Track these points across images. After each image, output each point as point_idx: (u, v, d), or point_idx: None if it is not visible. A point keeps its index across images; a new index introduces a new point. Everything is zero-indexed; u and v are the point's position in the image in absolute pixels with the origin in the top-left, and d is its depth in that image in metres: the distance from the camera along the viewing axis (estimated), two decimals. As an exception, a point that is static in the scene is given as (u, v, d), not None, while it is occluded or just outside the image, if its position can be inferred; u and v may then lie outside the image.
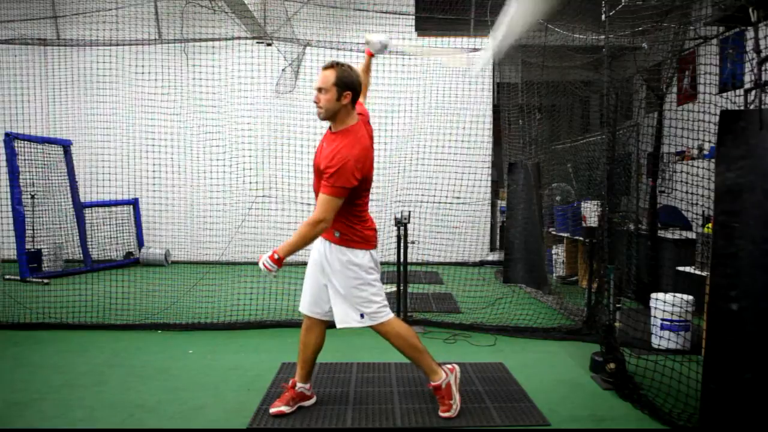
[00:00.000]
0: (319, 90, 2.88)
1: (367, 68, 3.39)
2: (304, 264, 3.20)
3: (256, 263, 2.86)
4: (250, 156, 8.46)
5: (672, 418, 2.99)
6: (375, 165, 3.10)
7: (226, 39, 7.99)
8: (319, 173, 2.90)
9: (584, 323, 4.82)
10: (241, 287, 5.80)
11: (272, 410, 3.11)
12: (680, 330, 4.23)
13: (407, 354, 3.10)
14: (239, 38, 8.01)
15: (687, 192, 3.74)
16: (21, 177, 7.38)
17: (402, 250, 4.91)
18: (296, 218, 7.11)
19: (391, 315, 3.08)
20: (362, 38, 7.80)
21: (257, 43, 8.24)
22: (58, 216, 8.16)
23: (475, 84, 8.93)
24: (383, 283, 3.18)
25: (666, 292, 4.53)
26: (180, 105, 8.50)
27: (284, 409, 3.11)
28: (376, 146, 3.18)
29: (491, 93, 9.25)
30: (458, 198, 7.80)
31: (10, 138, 7.22)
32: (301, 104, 8.12)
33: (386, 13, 8.07)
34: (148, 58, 8.04)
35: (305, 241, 2.84)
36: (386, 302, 3.08)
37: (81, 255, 8.17)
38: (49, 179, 7.98)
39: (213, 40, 7.96)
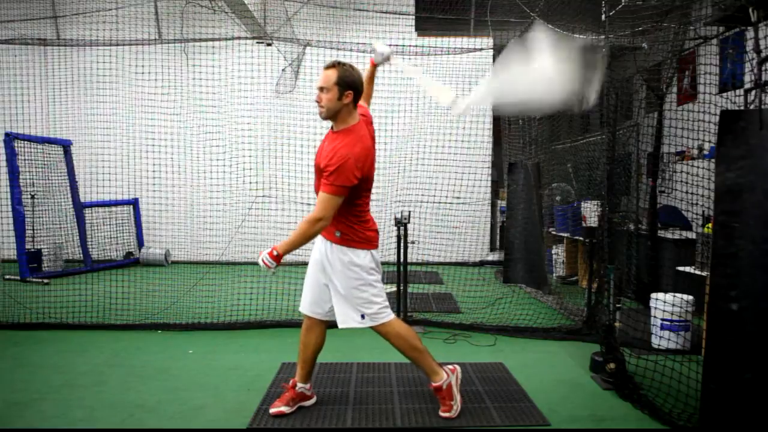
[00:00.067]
0: (321, 89, 2.88)
1: (371, 78, 3.33)
2: (304, 264, 3.20)
3: (257, 263, 2.87)
4: (250, 156, 8.46)
5: (672, 418, 2.99)
6: (375, 165, 3.10)
7: (226, 39, 7.99)
8: (319, 172, 2.90)
9: (584, 323, 4.82)
10: (241, 287, 5.80)
11: (272, 410, 3.11)
12: (680, 330, 4.23)
13: (408, 355, 3.09)
14: (239, 38, 8.02)
15: (687, 192, 3.74)
16: (21, 177, 7.37)
17: (402, 250, 4.91)
18: (296, 218, 7.10)
19: (392, 316, 3.08)
20: (362, 38, 7.81)
21: (257, 43, 8.24)
22: (58, 216, 8.16)
23: (475, 84, 8.89)
24: (383, 283, 3.18)
25: (666, 292, 4.53)
26: (180, 105, 8.50)
27: (284, 409, 3.11)
28: (376, 146, 3.18)
29: (491, 93, 9.23)
30: (458, 198, 7.80)
31: (10, 138, 7.22)
32: (301, 104, 8.12)
33: (386, 13, 8.07)
34: (148, 58, 8.03)
35: (304, 238, 2.84)
36: (387, 303, 3.08)
37: (81, 255, 8.17)
38: (49, 179, 7.98)
39: (213, 40, 7.96)
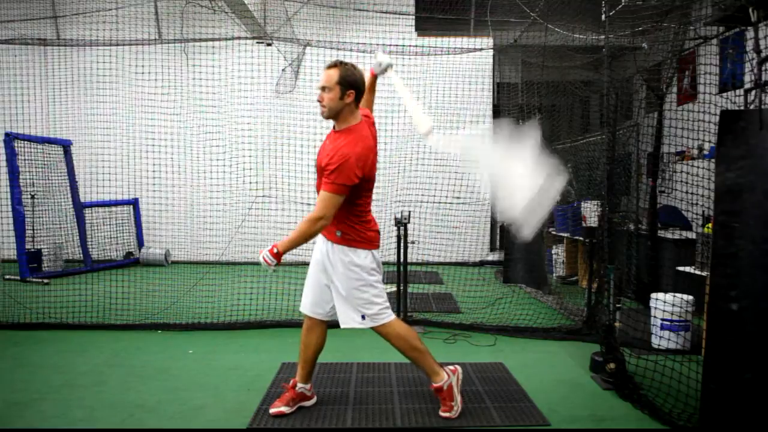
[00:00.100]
0: (323, 89, 2.89)
1: (372, 87, 3.32)
2: (304, 264, 3.20)
3: (257, 263, 2.87)
4: (250, 156, 8.46)
5: (672, 418, 2.99)
6: (377, 165, 3.09)
7: (226, 39, 7.99)
8: (320, 171, 2.90)
9: (584, 323, 4.82)
10: (241, 287, 5.80)
11: (272, 410, 3.11)
12: (680, 330, 4.23)
13: (408, 355, 3.09)
14: (239, 38, 8.02)
15: (687, 192, 3.74)
16: (21, 177, 7.38)
17: (402, 250, 4.92)
18: (296, 218, 7.10)
19: (393, 316, 3.08)
20: (362, 38, 7.79)
21: (257, 43, 8.24)
22: (58, 216, 8.17)
23: (475, 84, 8.93)
24: (384, 284, 3.18)
25: (666, 292, 4.53)
26: (180, 105, 8.50)
27: (284, 409, 3.11)
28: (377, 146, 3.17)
29: (491, 93, 9.25)
30: (458, 198, 7.80)
31: (10, 138, 7.22)
32: (301, 104, 8.12)
33: (386, 13, 8.07)
34: (148, 58, 8.03)
35: (305, 237, 2.85)
36: (388, 303, 3.07)
37: (81, 255, 8.18)
38: (49, 179, 7.98)
39: (213, 40, 7.96)
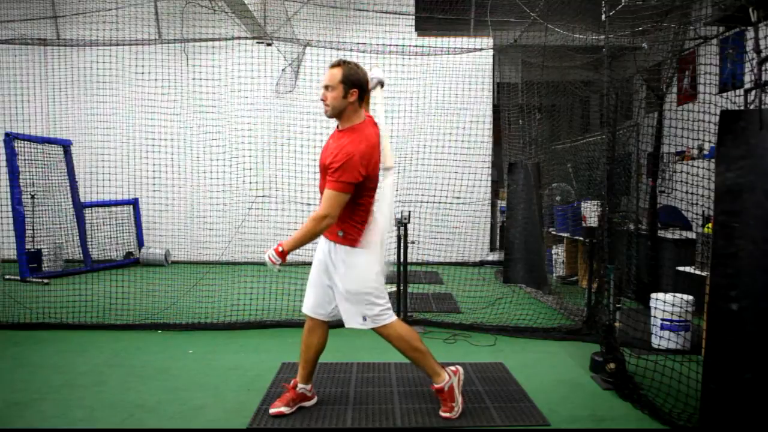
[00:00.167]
0: (326, 88, 2.90)
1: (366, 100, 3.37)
2: (304, 264, 3.20)
3: (257, 263, 2.87)
4: (250, 156, 8.46)
5: (672, 418, 2.99)
6: (380, 165, 3.09)
7: (226, 39, 7.99)
8: (324, 170, 2.91)
9: (584, 323, 4.82)
10: (241, 287, 5.80)
11: (272, 410, 3.11)
12: (680, 330, 4.23)
13: (409, 356, 3.09)
14: (239, 38, 8.02)
15: (687, 192, 3.74)
16: (21, 177, 7.38)
17: (402, 250, 4.92)
18: (296, 218, 7.11)
19: (394, 317, 3.08)
20: (362, 38, 7.80)
21: (257, 43, 8.24)
22: (58, 216, 8.16)
23: (475, 84, 8.94)
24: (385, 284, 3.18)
25: (666, 292, 4.53)
26: (180, 105, 8.50)
27: (284, 409, 3.10)
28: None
29: (491, 93, 9.25)
30: (458, 198, 7.81)
31: (10, 138, 7.22)
32: (301, 104, 8.12)
33: (386, 13, 8.07)
34: (148, 58, 8.03)
35: (310, 236, 2.86)
36: (389, 304, 3.07)
37: (81, 255, 8.17)
38: (49, 179, 7.98)
39: (213, 40, 7.96)
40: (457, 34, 9.02)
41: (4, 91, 8.22)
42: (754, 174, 2.69)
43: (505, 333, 4.82)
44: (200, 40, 8.14)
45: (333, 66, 2.93)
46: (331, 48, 7.65)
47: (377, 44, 7.76)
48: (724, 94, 5.16)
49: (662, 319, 4.27)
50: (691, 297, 4.33)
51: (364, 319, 3.00)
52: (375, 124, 3.11)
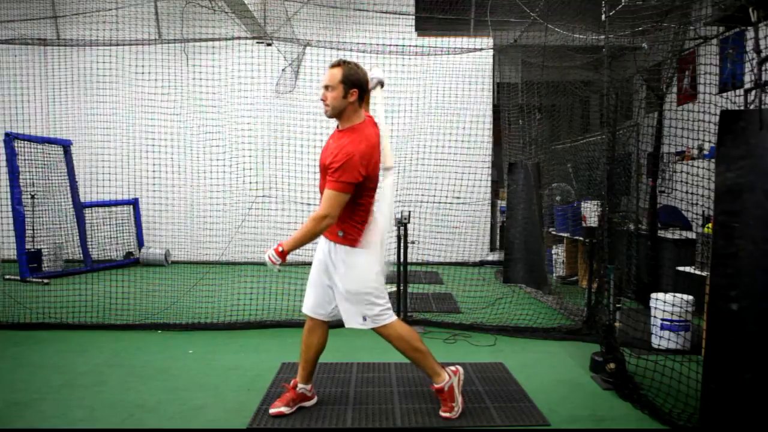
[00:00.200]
0: (326, 87, 2.90)
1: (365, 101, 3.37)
2: (304, 264, 3.20)
3: (257, 263, 2.88)
4: (250, 156, 8.46)
5: (672, 418, 2.99)
6: (380, 165, 3.09)
7: (226, 39, 7.99)
8: (324, 170, 2.91)
9: (584, 323, 4.82)
10: (241, 287, 5.80)
11: (272, 411, 3.11)
12: (680, 330, 4.23)
13: (409, 356, 3.09)
14: (239, 38, 8.02)
15: (687, 192, 3.74)
16: (21, 177, 7.38)
17: (402, 250, 4.92)
18: (296, 218, 7.11)
19: (394, 317, 3.08)
20: (362, 38, 7.79)
21: (257, 43, 8.24)
22: (58, 216, 8.16)
23: (475, 84, 8.94)
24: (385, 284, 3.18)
25: (666, 292, 4.53)
26: (180, 105, 8.50)
27: (284, 409, 3.10)
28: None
29: (491, 93, 9.26)
30: (458, 198, 7.81)
31: (10, 138, 7.22)
32: (301, 104, 8.12)
33: (386, 13, 8.07)
34: (148, 58, 8.04)
35: (310, 236, 2.86)
36: (389, 305, 3.07)
37: (81, 255, 8.17)
38: (49, 179, 7.98)
39: (213, 40, 7.96)
40: (457, 34, 9.02)
41: (4, 91, 8.22)
42: (754, 174, 2.69)
43: (505, 333, 4.82)
44: (200, 40, 8.14)
45: (333, 66, 2.93)
46: (331, 48, 7.65)
47: (377, 44, 7.76)
48: (724, 94, 5.16)
49: (662, 319, 4.27)
50: (691, 297, 4.33)
51: (364, 319, 3.00)
52: (375, 124, 3.11)
